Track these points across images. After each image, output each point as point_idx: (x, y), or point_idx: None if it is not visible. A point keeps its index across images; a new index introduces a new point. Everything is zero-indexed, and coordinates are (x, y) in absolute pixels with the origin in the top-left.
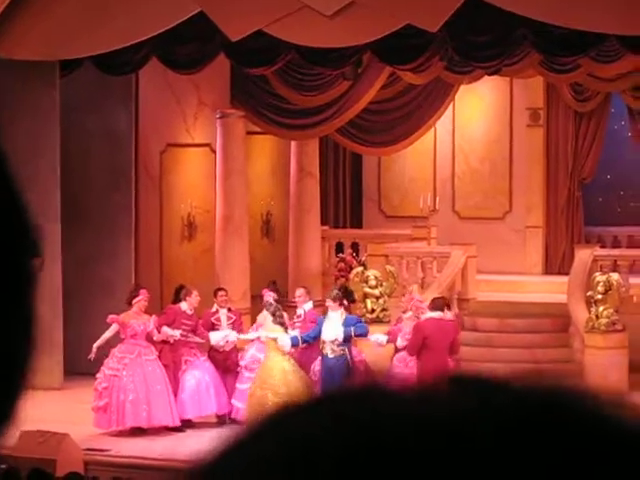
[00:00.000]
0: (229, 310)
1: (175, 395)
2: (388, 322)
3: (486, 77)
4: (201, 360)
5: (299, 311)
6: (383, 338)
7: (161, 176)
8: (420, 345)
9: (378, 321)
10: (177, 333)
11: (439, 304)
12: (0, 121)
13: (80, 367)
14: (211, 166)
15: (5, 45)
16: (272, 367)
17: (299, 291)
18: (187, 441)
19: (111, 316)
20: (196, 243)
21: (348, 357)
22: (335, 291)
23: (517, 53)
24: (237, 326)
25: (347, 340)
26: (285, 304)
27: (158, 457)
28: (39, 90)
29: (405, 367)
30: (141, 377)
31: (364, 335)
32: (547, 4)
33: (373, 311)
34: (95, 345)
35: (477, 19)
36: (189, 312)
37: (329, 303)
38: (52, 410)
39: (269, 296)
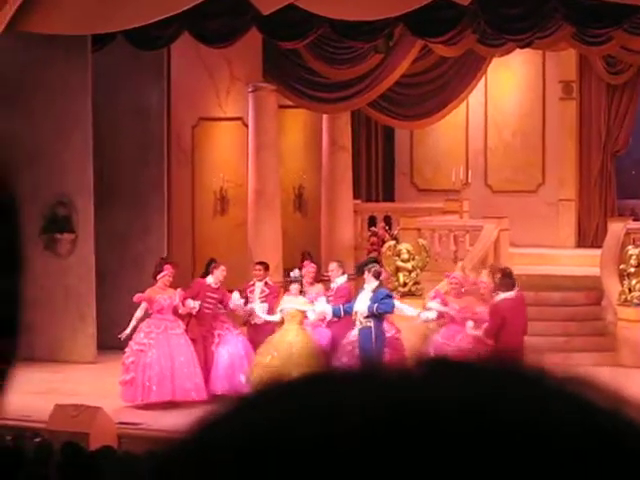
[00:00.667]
0: (265, 284)
1: (209, 369)
2: (420, 295)
3: (518, 50)
4: (234, 334)
5: (332, 285)
6: (432, 315)
7: (193, 150)
8: (499, 327)
9: (410, 294)
10: (197, 304)
11: (511, 283)
12: (31, 98)
13: (113, 341)
14: (243, 140)
15: (37, 19)
16: (282, 338)
17: (332, 265)
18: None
19: (137, 295)
20: (228, 217)
21: (373, 331)
22: (374, 265)
23: (549, 26)
24: (270, 300)
25: (374, 315)
26: (319, 277)
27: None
28: (71, 64)
29: (451, 342)
30: (167, 351)
31: (388, 312)
32: None
33: (405, 284)
34: (129, 328)
35: None
36: (214, 285)
37: (365, 274)
38: (86, 384)
39: (293, 273)
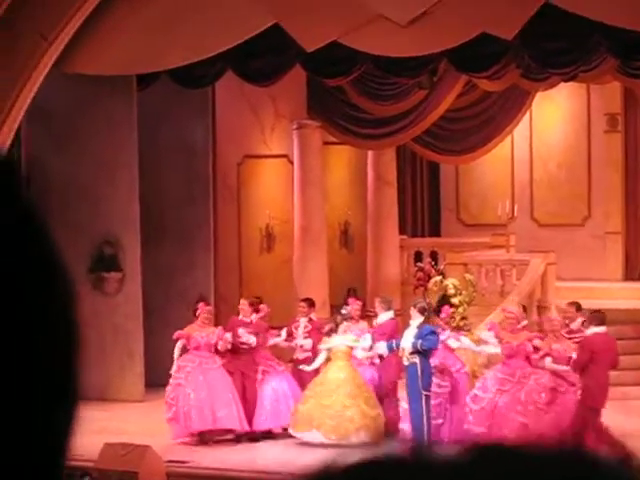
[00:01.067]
0: (309, 320)
1: (252, 405)
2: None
3: (562, 83)
4: (279, 370)
5: (376, 321)
6: (494, 350)
7: (239, 187)
8: (587, 361)
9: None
10: (228, 336)
11: (602, 318)
12: (78, 137)
13: (161, 379)
14: (288, 177)
15: (82, 60)
16: (331, 375)
17: (377, 301)
18: (267, 452)
19: (177, 332)
20: (275, 254)
21: (419, 367)
22: (420, 301)
23: (593, 59)
24: (313, 335)
25: (418, 351)
26: (364, 313)
27: (238, 468)
28: (117, 103)
29: (513, 378)
30: (202, 382)
31: (431, 349)
32: (621, 8)
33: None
34: (174, 366)
35: (552, 25)
36: (245, 320)
37: (411, 310)
38: (134, 422)
39: (345, 309)
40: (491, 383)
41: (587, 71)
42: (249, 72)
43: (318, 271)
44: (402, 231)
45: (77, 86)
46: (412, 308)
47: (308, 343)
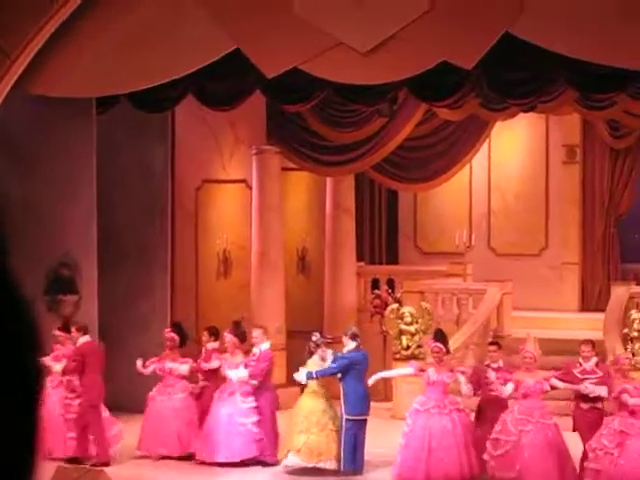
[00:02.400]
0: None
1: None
2: (423, 359)
3: (522, 114)
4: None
5: (255, 350)
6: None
7: (197, 212)
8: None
9: (413, 357)
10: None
11: None
12: (36, 158)
13: (116, 402)
14: (247, 202)
15: (42, 82)
16: (300, 407)
17: (256, 332)
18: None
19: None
20: (232, 279)
21: (341, 393)
22: (351, 328)
23: (553, 90)
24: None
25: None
26: (323, 342)
27: None
28: (76, 126)
29: (531, 418)
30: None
31: (327, 375)
32: (582, 41)
33: (408, 348)
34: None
35: (512, 56)
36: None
37: (344, 338)
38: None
39: (315, 336)
40: (512, 425)
41: (546, 102)
42: (209, 97)
43: (275, 297)
44: (360, 258)
45: (36, 107)
46: (344, 336)
47: (184, 368)
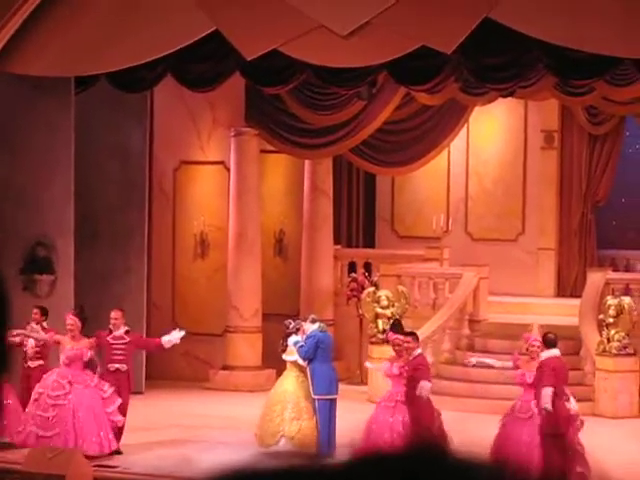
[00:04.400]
0: (43, 328)
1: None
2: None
3: (500, 99)
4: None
5: (116, 333)
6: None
7: (174, 193)
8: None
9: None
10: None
11: (555, 340)
12: (13, 138)
13: None
14: (224, 184)
15: (20, 61)
16: (285, 391)
17: (115, 313)
18: (202, 457)
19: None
20: (209, 261)
21: (308, 373)
22: (312, 315)
23: (532, 75)
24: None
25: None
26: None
27: (167, 474)
28: (54, 106)
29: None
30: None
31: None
32: (562, 27)
33: (384, 331)
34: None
35: (492, 41)
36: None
37: (305, 325)
38: None
39: (290, 323)
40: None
41: (525, 87)
42: (188, 78)
43: (252, 279)
44: (337, 241)
45: (14, 87)
46: (304, 323)
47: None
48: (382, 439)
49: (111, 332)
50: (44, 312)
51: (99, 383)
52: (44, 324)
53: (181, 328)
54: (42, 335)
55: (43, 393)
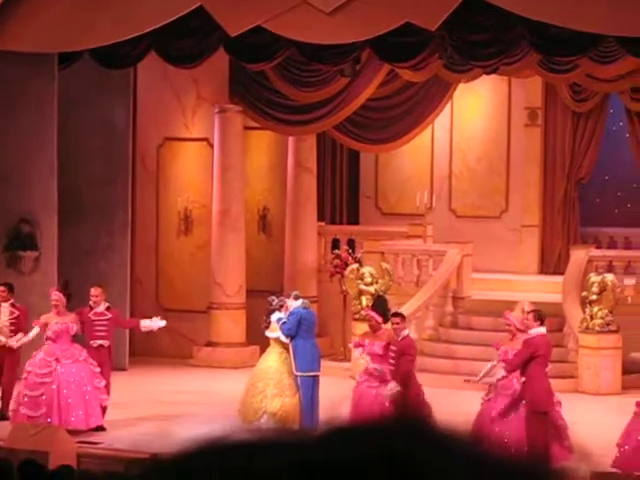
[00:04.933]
0: (12, 305)
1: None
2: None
3: (484, 76)
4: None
5: (97, 309)
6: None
7: (158, 170)
8: (525, 362)
9: None
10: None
11: (543, 317)
12: None
13: None
14: (208, 161)
15: (4, 37)
16: (269, 368)
17: (95, 290)
18: (184, 433)
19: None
20: (192, 237)
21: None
22: (294, 292)
23: (516, 52)
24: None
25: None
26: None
27: (151, 450)
28: (37, 83)
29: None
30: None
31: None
32: (546, 4)
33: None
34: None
35: (476, 18)
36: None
37: (288, 301)
38: None
39: (273, 300)
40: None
41: (509, 64)
42: (172, 54)
43: (235, 255)
44: (321, 218)
45: None
46: (287, 299)
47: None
48: (370, 411)
49: (92, 309)
50: (10, 289)
51: (88, 357)
52: (12, 301)
53: (162, 318)
54: (31, 335)
55: (31, 372)
